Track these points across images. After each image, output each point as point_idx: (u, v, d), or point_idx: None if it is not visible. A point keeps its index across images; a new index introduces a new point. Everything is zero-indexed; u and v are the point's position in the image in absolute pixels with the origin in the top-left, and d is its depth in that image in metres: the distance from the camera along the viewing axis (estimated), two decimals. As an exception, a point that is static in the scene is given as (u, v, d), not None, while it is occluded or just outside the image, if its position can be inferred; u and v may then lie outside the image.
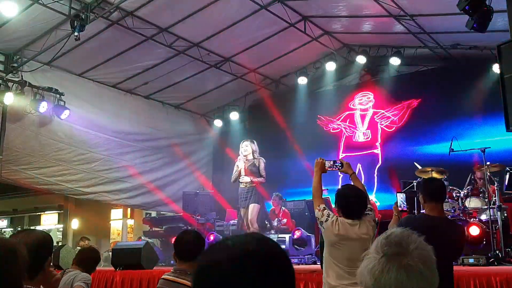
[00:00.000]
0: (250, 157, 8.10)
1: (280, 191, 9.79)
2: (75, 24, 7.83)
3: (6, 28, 8.49)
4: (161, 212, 12.76)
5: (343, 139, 11.31)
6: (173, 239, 3.46)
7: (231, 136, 12.12)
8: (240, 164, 8.07)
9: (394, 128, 10.73)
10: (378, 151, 10.79)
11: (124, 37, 9.18)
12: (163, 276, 3.16)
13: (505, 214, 6.59)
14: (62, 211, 17.96)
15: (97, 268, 4.92)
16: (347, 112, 11.41)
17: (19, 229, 13.98)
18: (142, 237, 11.37)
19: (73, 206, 16.56)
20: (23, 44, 9.03)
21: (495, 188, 6.61)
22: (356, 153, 10.88)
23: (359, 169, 10.39)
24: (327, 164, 4.06)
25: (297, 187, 10.56)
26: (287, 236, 8.46)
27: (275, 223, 9.13)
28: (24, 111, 9.29)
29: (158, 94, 11.53)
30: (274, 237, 8.25)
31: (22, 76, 9.24)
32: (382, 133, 10.85)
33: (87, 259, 4.56)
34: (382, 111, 10.96)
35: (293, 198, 10.22)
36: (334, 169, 4.11)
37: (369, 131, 11.03)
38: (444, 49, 9.90)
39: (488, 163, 6.72)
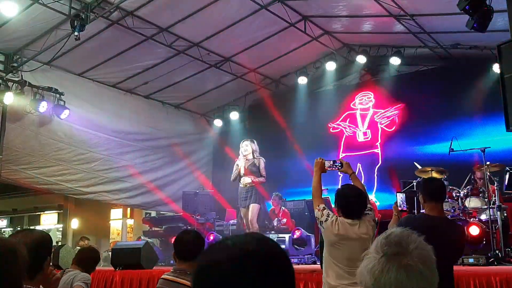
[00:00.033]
0: (250, 156, 8.10)
1: (280, 191, 9.80)
2: (75, 23, 7.83)
3: (6, 28, 8.49)
4: (161, 212, 12.77)
5: (344, 139, 11.31)
6: (173, 239, 3.46)
7: (231, 136, 12.12)
8: (240, 163, 8.07)
9: (394, 128, 10.72)
10: (378, 150, 10.78)
11: (124, 37, 9.18)
12: (162, 276, 3.16)
13: (505, 214, 6.59)
14: (61, 210, 17.96)
15: (97, 268, 4.92)
16: (348, 112, 11.42)
17: (18, 228, 13.98)
18: (142, 237, 11.37)
19: (72, 206, 16.56)
20: (23, 44, 9.03)
21: (495, 188, 6.61)
22: (356, 153, 10.88)
23: (359, 168, 10.38)
24: (327, 164, 4.06)
25: (297, 187, 10.55)
26: (287, 236, 8.46)
27: (275, 223, 9.13)
28: (24, 110, 9.29)
29: (158, 94, 11.52)
30: (274, 237, 8.26)
31: (22, 75, 9.24)
32: (382, 132, 10.85)
33: (86, 259, 4.57)
34: (382, 110, 10.96)
35: (293, 198, 10.22)
36: (334, 169, 4.11)
37: (369, 130, 11.03)
38: (444, 49, 9.90)
39: (488, 162, 6.72)
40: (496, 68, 7.67)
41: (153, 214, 13.35)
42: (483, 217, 6.77)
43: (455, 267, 3.64)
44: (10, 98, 8.92)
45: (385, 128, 10.84)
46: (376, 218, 4.01)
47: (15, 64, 9.27)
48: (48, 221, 18.72)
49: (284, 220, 9.22)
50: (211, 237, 8.86)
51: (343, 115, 11.44)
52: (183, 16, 8.90)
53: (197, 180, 12.24)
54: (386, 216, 6.70)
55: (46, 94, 9.46)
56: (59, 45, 8.71)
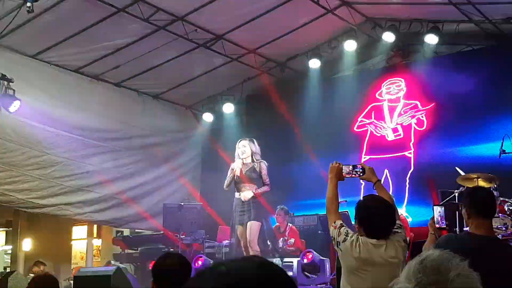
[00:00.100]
0: (249, 160, 8.12)
1: (286, 204, 9.81)
2: (28, -8, 7.85)
3: None
4: (136, 230, 12.78)
5: (367, 138, 11.32)
6: (151, 265, 3.47)
7: (224, 134, 12.14)
8: (235, 166, 8.07)
9: (430, 125, 10.72)
10: (410, 153, 10.77)
11: (90, 9, 9.19)
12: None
13: None
14: (10, 228, 17.94)
15: (55, 300, 4.93)
16: (372, 104, 11.43)
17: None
18: (112, 262, 11.39)
19: (24, 223, 16.54)
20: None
21: (560, 200, 6.62)
22: (383, 156, 10.89)
23: (386, 175, 10.41)
24: (345, 169, 4.07)
25: (307, 199, 10.58)
26: (295, 261, 8.49)
27: (280, 244, 9.14)
28: (-38, 102, 9.30)
29: (132, 81, 11.54)
30: (278, 261, 8.27)
31: (-40, 58, 9.26)
32: (416, 130, 10.86)
33: (42, 290, 4.57)
34: (416, 102, 10.96)
35: (303, 212, 10.23)
36: (353, 175, 4.12)
37: (400, 127, 11.03)
38: (493, 24, 9.91)
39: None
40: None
41: (126, 232, 13.36)
42: (543, 236, 6.77)
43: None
44: None
45: (418, 124, 10.83)
46: (408, 238, 4.02)
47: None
48: (-6, 242, 18.73)
49: (292, 240, 9.22)
50: (200, 262, 8.89)
51: (367, 109, 11.45)
52: (164, -18, 8.94)
53: (182, 190, 12.27)
54: (420, 235, 6.71)
55: (-9, 81, 9.49)
56: (7, 19, 8.72)
